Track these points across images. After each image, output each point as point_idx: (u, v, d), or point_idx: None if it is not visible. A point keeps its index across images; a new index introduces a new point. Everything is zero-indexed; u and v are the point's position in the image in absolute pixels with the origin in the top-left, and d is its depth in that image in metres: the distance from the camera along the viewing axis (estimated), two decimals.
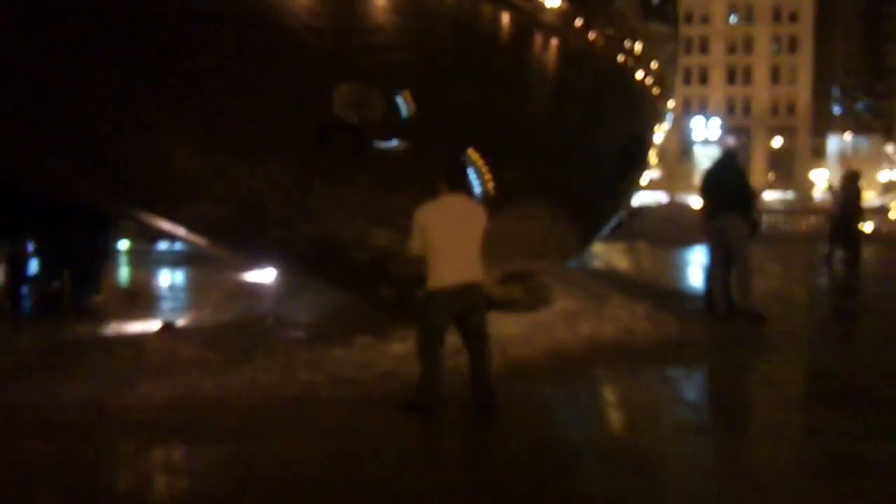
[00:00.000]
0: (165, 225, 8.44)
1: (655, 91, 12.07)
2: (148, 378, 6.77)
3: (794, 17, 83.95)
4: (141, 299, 11.06)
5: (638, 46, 11.01)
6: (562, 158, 9.86)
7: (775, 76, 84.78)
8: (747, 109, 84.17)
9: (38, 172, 7.60)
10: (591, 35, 10.06)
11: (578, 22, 9.69)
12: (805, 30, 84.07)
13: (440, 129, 8.14)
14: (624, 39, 10.71)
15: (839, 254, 16.11)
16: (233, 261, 13.89)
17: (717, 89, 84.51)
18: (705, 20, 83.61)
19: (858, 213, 16.23)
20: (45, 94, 6.60)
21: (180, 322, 9.25)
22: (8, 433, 5.59)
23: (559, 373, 7.36)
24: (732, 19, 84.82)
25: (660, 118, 13.25)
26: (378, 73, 7.63)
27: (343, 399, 6.39)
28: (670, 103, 14.04)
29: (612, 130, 10.95)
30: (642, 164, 12.94)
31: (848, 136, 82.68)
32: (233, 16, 6.71)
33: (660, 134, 13.62)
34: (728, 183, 10.00)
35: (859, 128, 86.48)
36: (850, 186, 16.23)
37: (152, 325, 8.99)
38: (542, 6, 9.17)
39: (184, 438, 5.58)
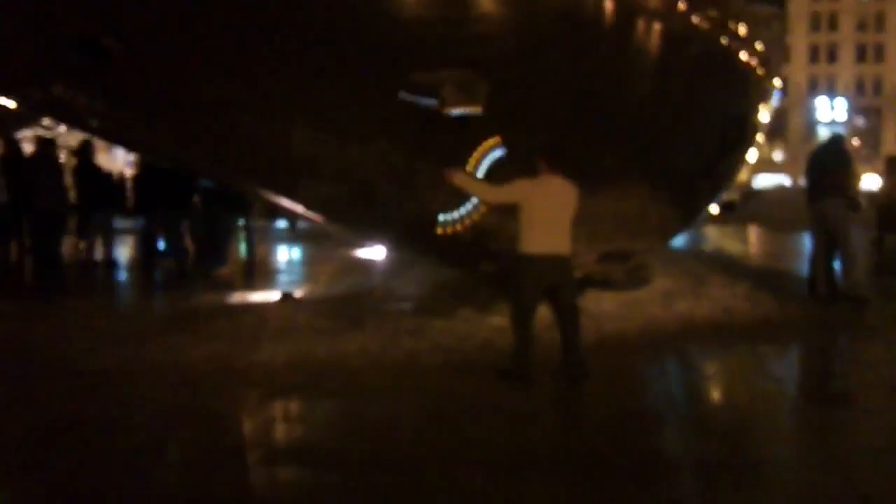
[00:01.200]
0: (286, 202, 9.11)
1: (760, 72, 12.04)
2: (269, 341, 7.46)
3: None
4: (262, 272, 11.85)
5: (742, 28, 11.02)
6: (664, 140, 10.04)
7: None
8: (878, 89, 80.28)
9: (178, 155, 8.38)
10: (695, 18, 10.16)
11: (682, 5, 9.82)
12: None
13: (545, 113, 8.48)
14: (727, 21, 10.75)
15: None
16: (345, 238, 14.66)
17: (846, 68, 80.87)
18: None
19: None
20: (186, 86, 7.30)
21: (298, 293, 9.96)
22: (148, 386, 6.30)
23: (651, 347, 7.65)
24: None
25: (765, 98, 13.18)
26: (485, 60, 8.02)
27: (443, 365, 6.90)
28: (776, 82, 13.91)
29: (715, 112, 11.02)
30: (744, 145, 12.92)
31: None
32: (350, 12, 7.23)
33: (766, 113, 13.52)
34: (831, 167, 10.01)
35: None
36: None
37: (272, 296, 9.72)
38: None
39: (300, 394, 6.20)
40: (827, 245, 10.12)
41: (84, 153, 12.80)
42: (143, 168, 12.38)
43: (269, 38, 7.14)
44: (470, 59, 8.00)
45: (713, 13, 10.34)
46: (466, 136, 8.26)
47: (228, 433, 5.45)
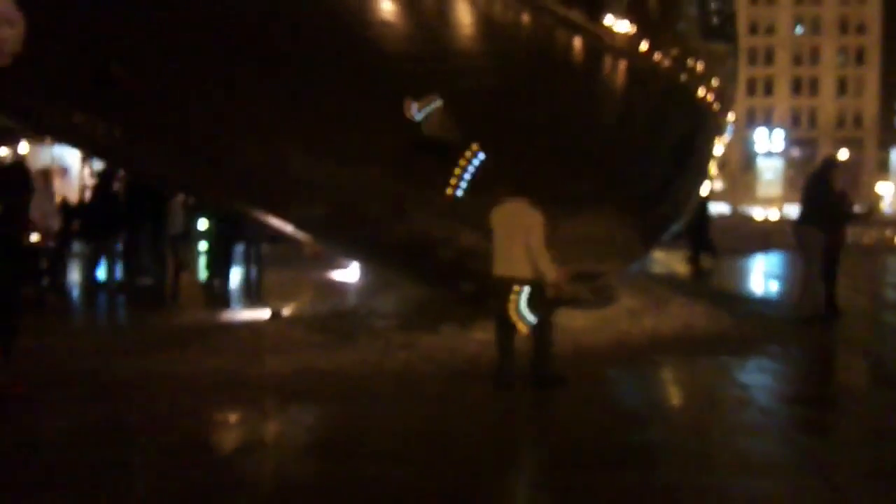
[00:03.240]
0: (277, 222, 9.61)
1: (716, 107, 12.91)
2: (271, 354, 7.96)
3: (861, 29, 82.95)
4: (245, 292, 12.28)
5: (699, 65, 11.88)
6: (627, 169, 10.79)
7: (842, 88, 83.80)
8: (813, 121, 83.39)
9: (175, 177, 8.84)
10: (656, 56, 10.97)
11: (644, 45, 10.61)
12: (873, 41, 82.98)
13: (519, 142, 9.14)
14: (686, 59, 11.59)
15: None
16: (317, 262, 15.19)
17: (783, 100, 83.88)
18: (770, 31, 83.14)
19: None
20: (187, 112, 7.79)
21: (285, 311, 10.43)
22: (166, 394, 6.74)
23: (622, 357, 8.35)
24: (798, 30, 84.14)
25: (720, 131, 14.07)
26: (465, 93, 8.67)
27: (436, 374, 7.49)
28: (730, 116, 14.84)
29: (674, 144, 11.82)
30: (700, 176, 13.77)
31: None
32: (344, 47, 7.83)
33: (720, 146, 14.41)
34: (812, 194, 10.60)
35: None
36: None
37: (261, 313, 10.19)
38: (610, 31, 10.12)
39: (310, 399, 6.72)
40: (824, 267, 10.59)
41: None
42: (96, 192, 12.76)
43: (272, 71, 7.70)
44: (450, 91, 8.64)
45: (674, 51, 11.17)
46: (449, 162, 8.88)
47: (252, 432, 5.96)
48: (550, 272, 7.00)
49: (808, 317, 10.47)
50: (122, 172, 12.71)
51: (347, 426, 6.13)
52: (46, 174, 12.14)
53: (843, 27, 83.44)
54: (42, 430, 5.95)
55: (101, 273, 12.51)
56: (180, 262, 12.23)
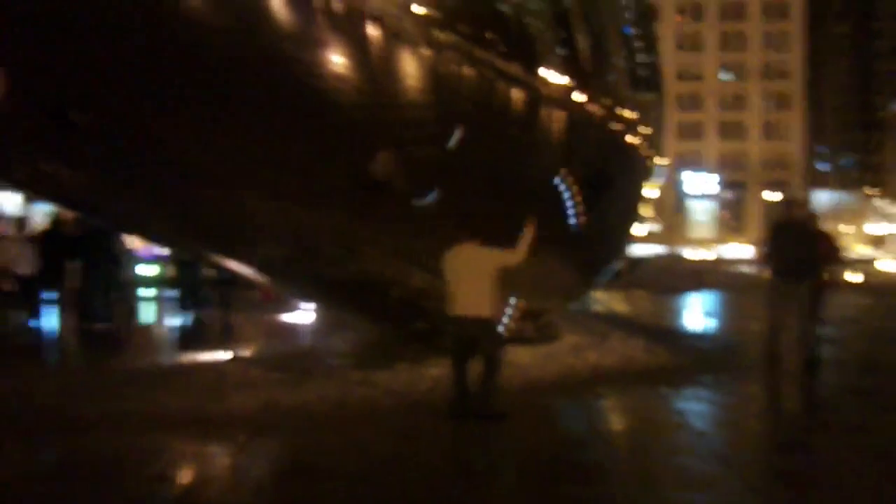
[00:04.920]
0: (235, 265, 9.98)
1: (645, 152, 13.76)
2: (234, 392, 8.29)
3: (784, 74, 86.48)
4: (199, 335, 12.56)
5: (629, 113, 12.71)
6: (565, 211, 11.45)
7: (768, 132, 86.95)
8: (741, 164, 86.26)
9: (132, 220, 9.19)
10: (590, 106, 11.73)
11: (578, 96, 11.36)
12: (796, 87, 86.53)
13: (464, 186, 9.72)
14: (617, 108, 12.40)
15: None
16: (269, 304, 15.52)
17: (711, 144, 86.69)
18: (697, 77, 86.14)
19: None
20: (150, 157, 8.16)
21: (244, 352, 10.76)
22: (133, 430, 7.04)
23: (568, 389, 8.93)
24: (724, 76, 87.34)
25: (649, 175, 14.92)
26: (411, 141, 9.23)
27: (396, 406, 7.96)
28: (659, 160, 15.71)
29: (609, 187, 12.55)
30: (633, 216, 14.56)
31: (834, 192, 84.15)
32: (301, 98, 8.33)
33: (651, 189, 15.25)
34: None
35: (847, 183, 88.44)
36: None
37: (220, 355, 10.51)
38: (547, 83, 10.83)
39: (275, 434, 7.09)
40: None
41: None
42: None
43: (230, 119, 8.13)
44: (400, 139, 9.19)
45: (606, 101, 11.96)
46: (403, 206, 9.40)
47: (229, 463, 6.31)
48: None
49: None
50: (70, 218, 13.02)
51: (315, 454, 6.53)
52: (21, 222, 12.39)
53: (768, 73, 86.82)
54: (10, 464, 6.22)
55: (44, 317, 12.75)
56: (130, 308, 12.48)
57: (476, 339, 7.60)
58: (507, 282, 8.10)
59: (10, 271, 11.75)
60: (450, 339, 7.74)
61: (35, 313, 12.68)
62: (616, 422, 8.24)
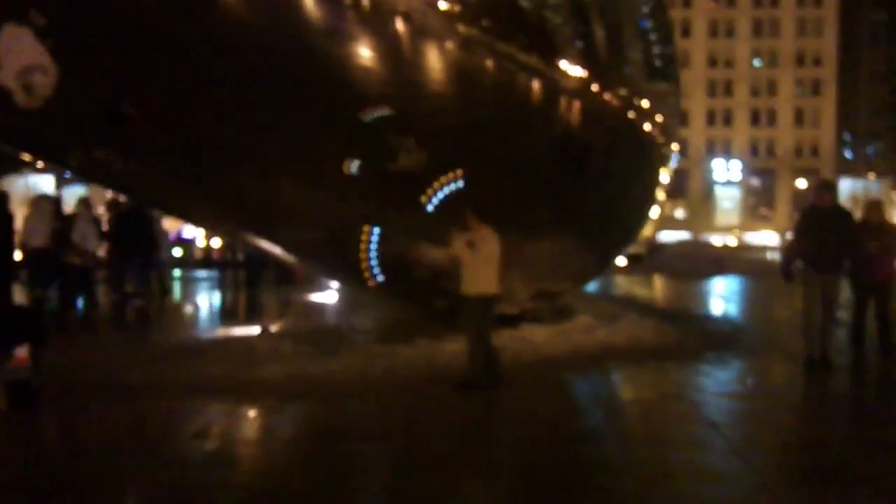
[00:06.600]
0: (266, 244, 10.63)
1: (660, 139, 14.24)
2: (265, 363, 8.96)
3: (817, 62, 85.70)
4: (232, 312, 13.29)
5: (644, 103, 13.19)
6: (582, 197, 11.96)
7: (799, 119, 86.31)
8: (771, 151, 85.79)
9: (177, 204, 9.88)
10: (607, 96, 12.22)
11: (595, 86, 11.85)
12: (829, 74, 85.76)
13: (484, 173, 10.27)
14: (633, 98, 12.87)
15: None
16: (293, 285, 16.21)
17: (742, 131, 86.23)
18: (729, 64, 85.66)
19: None
20: (194, 147, 8.81)
21: (273, 328, 11.44)
22: (176, 395, 7.73)
23: (577, 364, 9.49)
24: (756, 63, 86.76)
25: (665, 162, 15.37)
26: (436, 130, 9.79)
27: (415, 377, 8.58)
28: (674, 147, 16.12)
29: (625, 174, 13.04)
30: (649, 202, 15.03)
31: (862, 179, 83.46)
32: (333, 91, 8.91)
33: (666, 175, 15.69)
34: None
35: (878, 171, 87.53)
36: None
37: (251, 330, 11.19)
38: (565, 74, 11.33)
39: (304, 399, 7.76)
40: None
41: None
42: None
43: (268, 111, 8.75)
44: (424, 128, 9.75)
45: (622, 91, 12.44)
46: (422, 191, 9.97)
47: (261, 424, 6.97)
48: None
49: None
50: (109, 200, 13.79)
51: (339, 417, 7.20)
52: (87, 202, 13.21)
53: (800, 60, 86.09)
54: (77, 423, 6.93)
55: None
56: (165, 287, 13.25)
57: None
58: (518, 262, 8.65)
59: (82, 248, 12.65)
60: (464, 315, 8.32)
61: (118, 288, 13.63)
62: (621, 393, 8.76)
